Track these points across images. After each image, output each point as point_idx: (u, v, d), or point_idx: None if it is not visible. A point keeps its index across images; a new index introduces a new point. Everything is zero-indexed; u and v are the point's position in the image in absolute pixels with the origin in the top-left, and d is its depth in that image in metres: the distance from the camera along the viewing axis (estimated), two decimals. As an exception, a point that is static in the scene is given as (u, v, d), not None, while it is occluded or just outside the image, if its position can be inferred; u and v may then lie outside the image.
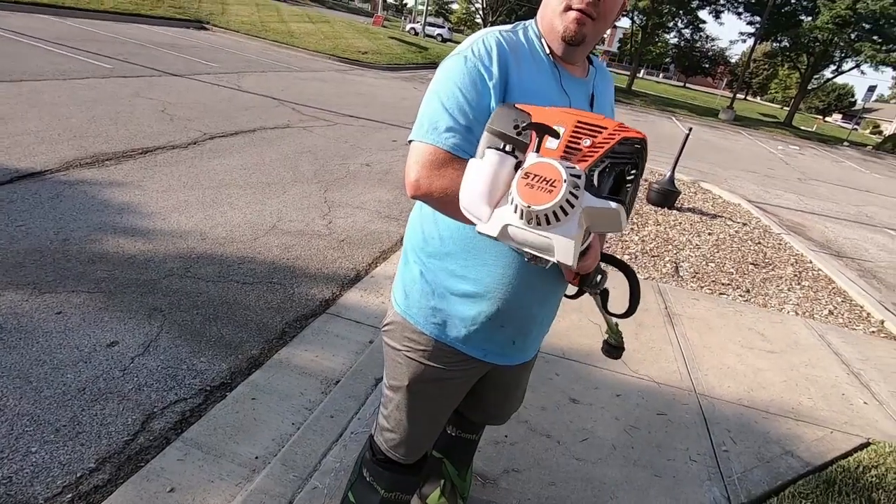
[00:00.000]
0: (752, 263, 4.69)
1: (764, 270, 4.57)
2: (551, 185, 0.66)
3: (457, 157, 0.90)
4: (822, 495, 1.93)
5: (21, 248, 2.71)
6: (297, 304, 2.75)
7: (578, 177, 0.68)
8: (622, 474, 1.93)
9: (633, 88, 29.70)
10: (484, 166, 0.75)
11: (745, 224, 5.99)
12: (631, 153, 0.71)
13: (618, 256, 1.22)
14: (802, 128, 30.24)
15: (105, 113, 5.22)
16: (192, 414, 1.92)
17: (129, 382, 2.00)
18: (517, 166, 0.73)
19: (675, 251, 4.61)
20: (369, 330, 2.55)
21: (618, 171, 0.70)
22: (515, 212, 0.69)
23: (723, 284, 4.08)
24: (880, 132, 38.60)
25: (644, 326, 3.08)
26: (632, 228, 5.02)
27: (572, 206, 0.66)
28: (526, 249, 0.72)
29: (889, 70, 26.71)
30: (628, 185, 0.71)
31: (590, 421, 2.19)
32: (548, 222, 0.67)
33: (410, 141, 0.95)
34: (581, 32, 0.96)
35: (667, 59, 51.82)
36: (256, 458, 1.74)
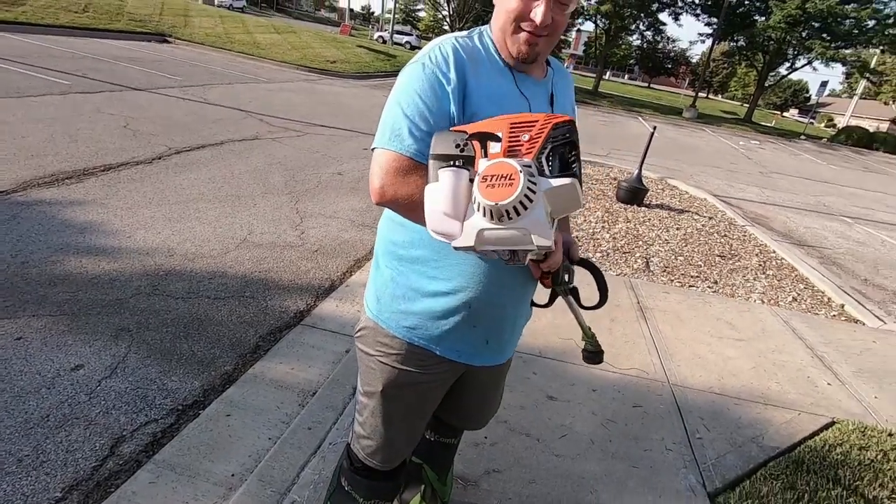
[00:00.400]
0: (718, 255, 4.83)
1: (730, 262, 4.72)
2: (510, 179, 0.71)
3: (421, 164, 0.91)
4: (791, 475, 2.00)
5: (-24, 273, 2.60)
6: (271, 317, 2.71)
7: (530, 166, 0.73)
8: (601, 468, 1.96)
9: (599, 90, 30.34)
10: (442, 186, 0.78)
11: (711, 218, 6.17)
12: (565, 134, 0.78)
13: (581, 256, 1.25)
14: (762, 123, 31.39)
15: (64, 130, 5.06)
16: (164, 435, 1.87)
17: (95, 406, 1.93)
18: (472, 180, 0.77)
19: (645, 247, 4.72)
20: (345, 339, 2.53)
21: (560, 154, 0.76)
22: (485, 215, 0.73)
23: (692, 277, 4.19)
24: (834, 125, 40.34)
25: (618, 321, 3.14)
26: (602, 226, 5.11)
27: (534, 192, 0.71)
28: (504, 248, 0.75)
29: (839, 66, 27.95)
30: (573, 163, 0.78)
31: (568, 417, 2.21)
32: (517, 213, 0.71)
33: (373, 149, 0.96)
34: (533, 52, 0.98)
35: (631, 61, 53.16)
36: (232, 475, 1.71)
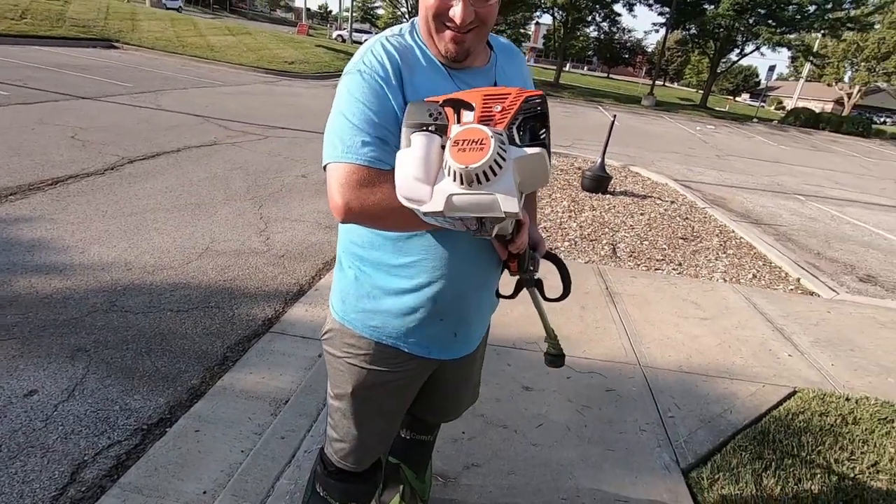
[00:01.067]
0: (681, 238, 4.97)
1: (693, 243, 4.86)
2: (481, 144, 0.73)
3: (381, 171, 0.89)
4: (758, 445, 2.07)
5: (-88, 300, 2.43)
6: (238, 327, 2.63)
7: (501, 134, 0.75)
8: (578, 453, 1.98)
9: (560, 82, 30.75)
10: (414, 150, 0.78)
11: (673, 202, 6.34)
12: (535, 106, 0.80)
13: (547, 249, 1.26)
14: (716, 108, 32.47)
15: (5, 144, 4.79)
16: (129, 456, 1.79)
17: (53, 432, 1.84)
18: (442, 146, 0.78)
19: (611, 233, 4.81)
20: (317, 344, 2.49)
21: (531, 126, 0.78)
22: (455, 179, 0.74)
23: (657, 260, 4.29)
24: (783, 108, 42.10)
25: (588, 308, 3.19)
26: (569, 215, 5.19)
27: (504, 158, 0.73)
28: (472, 215, 0.77)
29: (785, 51, 29.23)
30: (543, 136, 0.79)
31: (544, 406, 2.23)
32: (486, 178, 0.72)
33: (326, 165, 0.93)
34: (462, 49, 0.94)
35: (589, 53, 54.01)
36: (204, 492, 1.65)
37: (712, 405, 2.37)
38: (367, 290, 1.06)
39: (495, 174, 0.72)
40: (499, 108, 0.80)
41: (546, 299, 1.22)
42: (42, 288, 2.69)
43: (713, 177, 9.00)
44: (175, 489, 1.65)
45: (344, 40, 32.34)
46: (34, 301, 2.57)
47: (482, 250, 1.03)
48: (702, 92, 33.71)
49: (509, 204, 0.74)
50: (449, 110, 0.80)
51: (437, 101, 0.83)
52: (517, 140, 0.77)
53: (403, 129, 0.82)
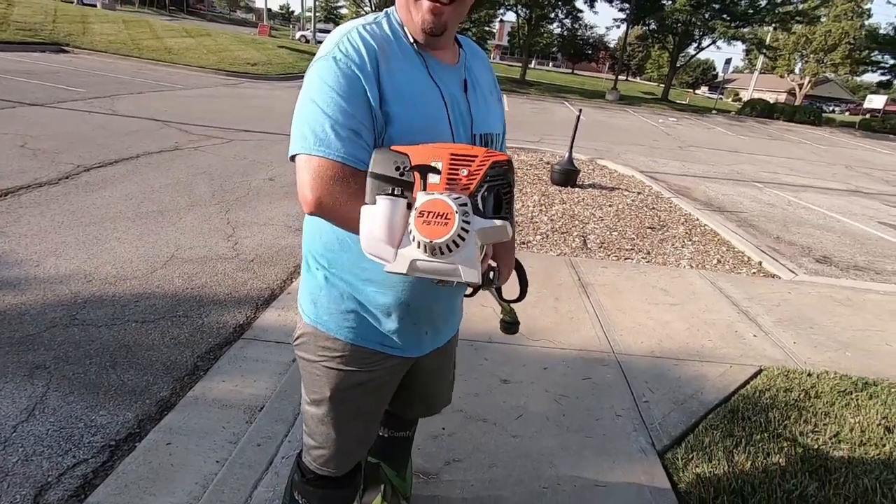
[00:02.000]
0: (649, 227, 5.09)
1: (660, 232, 4.99)
2: (445, 219, 0.75)
3: (356, 170, 0.87)
4: (728, 424, 2.14)
5: None
6: (208, 335, 2.56)
7: (466, 205, 0.77)
8: (557, 442, 2.01)
9: (526, 79, 31.06)
10: (378, 213, 0.79)
11: (639, 193, 6.49)
12: (502, 174, 0.81)
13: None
14: (677, 101, 33.37)
15: (-53, 155, 4.52)
16: (97, 475, 1.72)
17: (12, 455, 1.75)
18: (409, 205, 0.79)
19: (581, 225, 4.89)
20: (291, 348, 2.43)
21: (495, 192, 0.80)
22: (419, 247, 0.76)
23: (626, 250, 4.39)
24: (740, 99, 43.63)
25: (561, 300, 3.23)
26: (540, 209, 5.25)
27: (467, 231, 0.75)
28: (434, 278, 0.80)
29: (739, 44, 30.28)
30: (507, 201, 0.81)
31: (522, 398, 2.25)
32: (449, 250, 0.75)
33: (295, 155, 0.90)
34: (440, 22, 0.93)
35: (554, 49, 54.78)
36: (179, 506, 1.60)
37: (684, 387, 2.44)
38: (339, 291, 1.04)
39: (458, 246, 0.75)
40: (465, 172, 0.80)
41: (504, 300, 1.24)
42: (-5, 304, 2.55)
43: (677, 167, 9.26)
44: (147, 505, 1.59)
45: (307, 41, 31.82)
46: (-14, 318, 2.44)
47: None
48: (663, 85, 34.61)
49: (470, 274, 0.77)
50: (416, 174, 0.81)
51: (406, 155, 0.82)
52: (481, 208, 0.78)
53: (368, 179, 0.82)
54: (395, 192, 0.80)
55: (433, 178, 0.80)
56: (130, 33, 17.43)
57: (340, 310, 1.05)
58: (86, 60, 13.12)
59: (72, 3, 24.48)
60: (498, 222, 0.78)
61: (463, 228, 0.75)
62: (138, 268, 3.12)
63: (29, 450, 1.77)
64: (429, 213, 0.75)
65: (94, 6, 24.75)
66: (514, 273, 1.26)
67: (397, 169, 0.81)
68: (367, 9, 30.43)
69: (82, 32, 15.94)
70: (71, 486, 1.67)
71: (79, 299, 2.71)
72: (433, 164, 0.80)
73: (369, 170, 0.82)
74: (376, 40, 0.93)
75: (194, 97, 9.95)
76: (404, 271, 0.79)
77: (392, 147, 0.84)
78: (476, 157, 0.81)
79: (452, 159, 0.81)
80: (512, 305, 1.19)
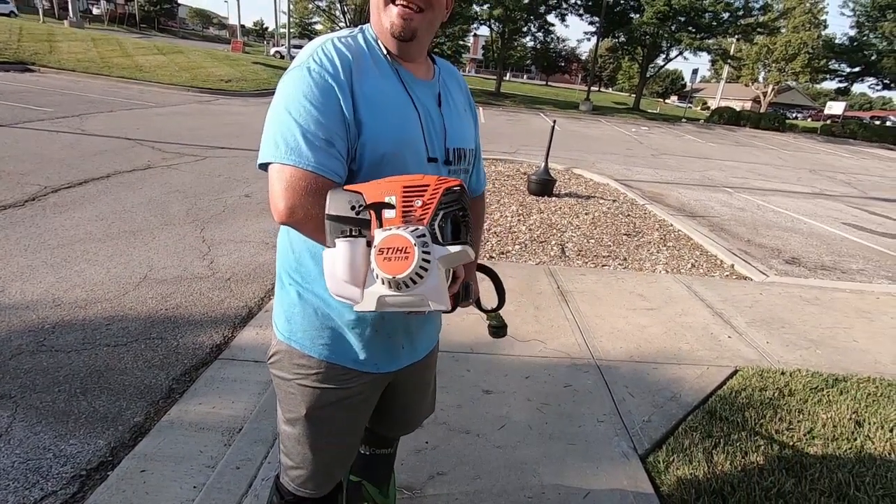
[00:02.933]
0: (625, 234, 5.19)
1: (635, 238, 5.08)
2: (405, 253, 0.75)
3: (327, 181, 0.88)
4: (707, 424, 2.18)
5: None
6: (184, 356, 2.50)
7: (424, 235, 0.77)
8: (540, 451, 2.01)
9: (501, 91, 31.53)
10: (339, 255, 0.80)
11: (614, 201, 6.61)
12: (456, 198, 0.81)
13: (479, 262, 1.32)
14: (648, 111, 34.28)
15: None
16: (67, 507, 1.65)
17: (-24, 490, 1.67)
18: (368, 244, 0.80)
19: (559, 234, 4.95)
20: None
21: (452, 217, 0.80)
22: (383, 284, 0.77)
23: (604, 257, 4.46)
24: (708, 108, 45.04)
25: (541, 308, 3.26)
26: (518, 219, 5.30)
27: (428, 262, 0.76)
28: (404, 310, 0.81)
29: (705, 54, 31.34)
30: (464, 224, 0.81)
31: (504, 407, 2.26)
32: (413, 283, 0.76)
33: (266, 164, 0.90)
34: (409, 27, 0.93)
35: (528, 62, 55.75)
36: (154, 535, 1.55)
37: (663, 390, 2.47)
38: (312, 307, 1.04)
39: (422, 277, 0.76)
40: (419, 202, 0.80)
41: (483, 310, 1.27)
42: (-44, 333, 2.45)
43: (650, 175, 9.47)
44: (121, 536, 1.53)
45: (282, 56, 31.75)
46: (-53, 348, 2.34)
47: None
48: (634, 96, 35.52)
49: (438, 302, 0.78)
50: (371, 213, 0.81)
51: (360, 193, 0.82)
52: (439, 236, 0.78)
53: (326, 222, 0.82)
54: (353, 233, 0.80)
55: (389, 213, 0.80)
56: (99, 51, 17.13)
57: (314, 326, 1.04)
58: (53, 79, 12.83)
59: (39, 19, 23.99)
60: (457, 248, 0.79)
61: (424, 259, 0.75)
62: (110, 290, 3.04)
63: (-7, 484, 1.70)
64: (388, 249, 0.75)
65: (62, 24, 24.29)
66: (491, 283, 1.28)
67: (353, 208, 0.81)
68: (342, 24, 30.60)
69: (49, 51, 15.61)
70: (39, 521, 1.60)
71: (46, 324, 2.62)
72: (387, 199, 0.80)
73: (326, 212, 0.81)
74: (351, 51, 0.94)
75: (167, 115, 9.81)
76: (373, 309, 0.80)
77: (345, 186, 0.84)
78: (428, 185, 0.81)
79: (405, 191, 0.81)
80: (498, 312, 1.21)
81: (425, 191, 0.81)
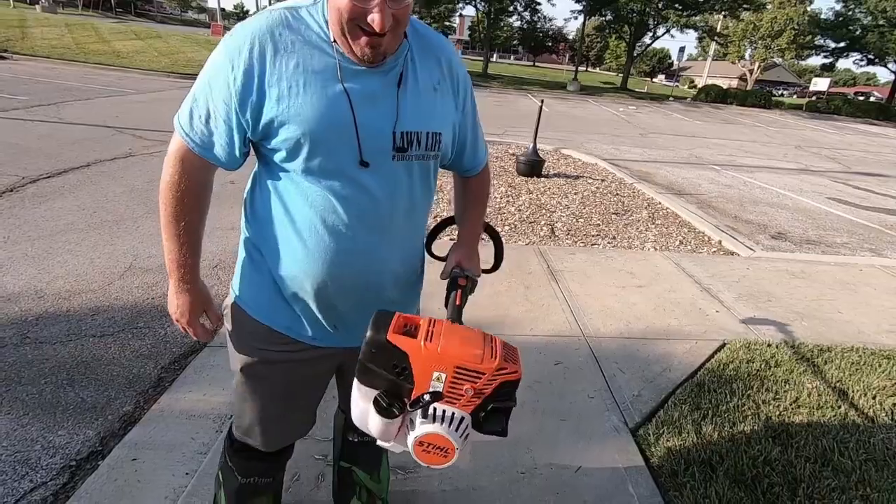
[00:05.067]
0: (614, 213, 5.20)
1: (624, 217, 5.10)
2: (445, 452, 0.74)
3: (195, 155, 0.96)
4: (696, 397, 2.22)
5: None
6: (172, 345, 2.48)
7: (466, 432, 0.74)
8: (533, 428, 2.03)
9: (488, 72, 31.22)
10: (373, 422, 0.79)
11: (603, 180, 6.62)
12: (509, 394, 0.76)
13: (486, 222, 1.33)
14: (636, 90, 34.19)
15: None
16: (57, 498, 1.64)
17: (-37, 484, 1.65)
18: (404, 406, 0.78)
19: (548, 214, 4.95)
20: (260, 353, 2.38)
21: (496, 409, 0.76)
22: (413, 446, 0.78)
23: (593, 236, 4.47)
24: (695, 86, 45.06)
25: (531, 288, 3.27)
26: (507, 200, 5.29)
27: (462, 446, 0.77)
28: None
29: (692, 32, 31.23)
30: (507, 415, 0.78)
31: (496, 387, 2.27)
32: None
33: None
34: (379, 53, 0.89)
35: (514, 42, 55.18)
36: (148, 522, 1.54)
37: (653, 365, 2.50)
38: (253, 272, 1.07)
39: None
40: (469, 390, 0.74)
41: (482, 271, 1.30)
42: (-64, 327, 2.40)
43: (638, 154, 9.48)
44: (114, 524, 1.53)
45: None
46: (-73, 343, 2.29)
47: (370, 243, 1.01)
48: (622, 75, 35.37)
49: (460, 459, 0.78)
50: (415, 381, 0.76)
51: (405, 351, 0.75)
52: (482, 423, 0.75)
53: (364, 366, 0.78)
54: (393, 410, 0.76)
55: (435, 385, 0.74)
56: (74, 37, 16.63)
57: (255, 288, 1.08)
58: (27, 66, 12.44)
59: (9, 5, 23.20)
60: (494, 437, 0.76)
61: (460, 451, 0.75)
62: (94, 280, 2.99)
63: (-19, 477, 1.68)
64: (429, 444, 0.74)
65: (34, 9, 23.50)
66: (491, 241, 1.32)
67: (395, 367, 0.75)
68: (325, 6, 29.96)
69: (21, 37, 15.11)
70: (29, 512, 1.58)
71: (30, 317, 2.57)
72: (435, 375, 0.73)
73: (363, 358, 0.77)
74: (286, 29, 0.90)
75: (147, 101, 9.59)
76: (398, 451, 0.82)
77: (391, 336, 0.75)
78: (483, 374, 0.73)
79: (456, 374, 0.73)
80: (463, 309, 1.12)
81: (479, 378, 0.74)
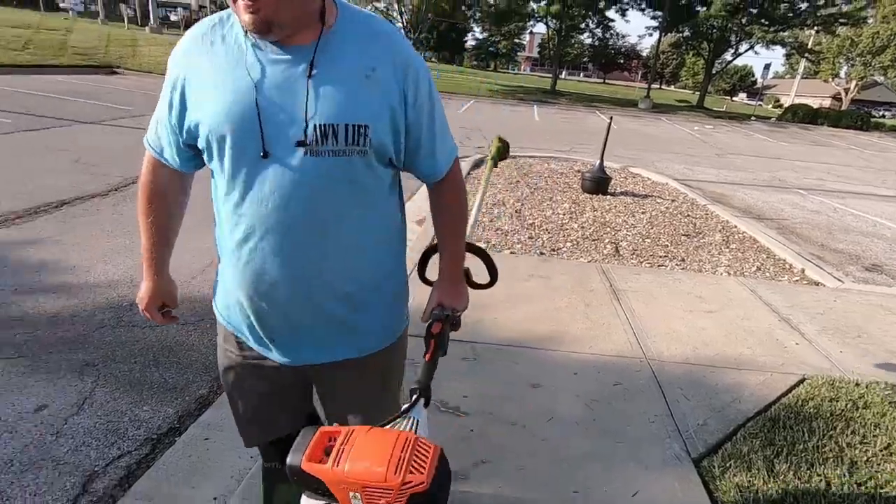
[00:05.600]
0: (684, 235, 4.97)
1: (695, 239, 4.86)
2: None
3: (152, 156, 1.04)
4: (769, 432, 2.06)
5: (-77, 322, 2.46)
6: (244, 337, 2.65)
7: None
8: (588, 446, 1.98)
9: (557, 89, 30.98)
10: None
11: (673, 200, 6.35)
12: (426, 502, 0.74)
13: (474, 243, 1.23)
14: (714, 109, 32.54)
15: (10, 169, 4.86)
16: (140, 466, 1.80)
17: (63, 445, 1.85)
18: None
19: (612, 232, 4.82)
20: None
21: None
22: None
23: (660, 257, 4.29)
24: (781, 105, 42.18)
25: (592, 306, 3.19)
26: (570, 217, 5.20)
27: None
28: None
29: (779, 48, 29.36)
30: None
31: (552, 402, 2.23)
32: None
33: None
34: (260, 20, 0.81)
35: (585, 59, 54.49)
36: (214, 499, 1.65)
37: (721, 395, 2.36)
38: (217, 275, 1.09)
39: None
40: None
41: (477, 286, 1.22)
42: (50, 307, 2.72)
43: (713, 175, 9.01)
44: (186, 496, 1.65)
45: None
46: (42, 320, 2.60)
47: (287, 250, 0.93)
48: (698, 93, 33.84)
49: None
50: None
51: (318, 478, 0.75)
52: None
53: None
54: None
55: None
56: (175, 55, 18.36)
57: (217, 283, 1.09)
58: (136, 81, 13.89)
59: (124, 26, 26.05)
60: None
61: None
62: (180, 274, 3.26)
63: (78, 441, 1.88)
64: None
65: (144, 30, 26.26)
66: (480, 261, 1.23)
67: (317, 489, 0.76)
68: (399, 24, 31.10)
69: (132, 55, 16.91)
70: (116, 476, 1.75)
71: (125, 302, 2.85)
72: (352, 494, 0.74)
73: (292, 480, 0.78)
74: (211, 31, 0.92)
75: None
76: None
77: (305, 464, 0.75)
78: (391, 490, 0.72)
79: (366, 493, 0.73)
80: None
81: (389, 493, 0.72)
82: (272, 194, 0.89)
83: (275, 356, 1.05)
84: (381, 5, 34.54)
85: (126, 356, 2.39)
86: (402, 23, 32.11)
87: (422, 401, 0.93)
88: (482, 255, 1.21)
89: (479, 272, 1.23)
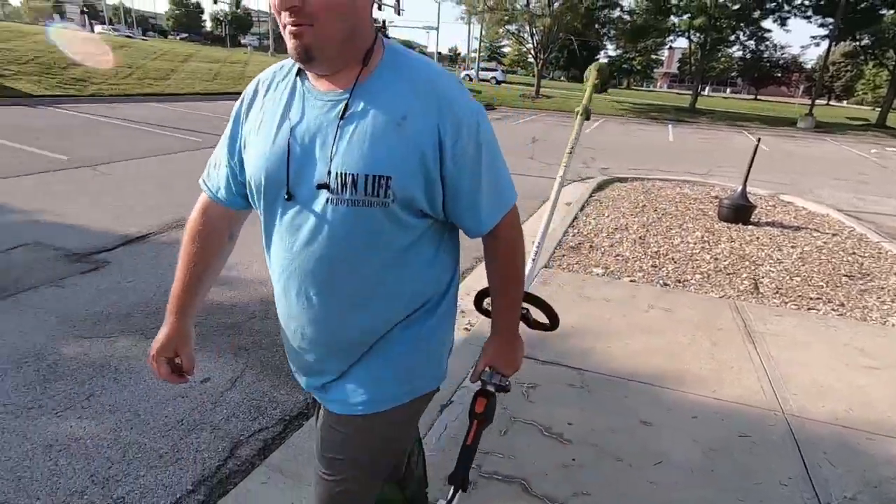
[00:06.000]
0: (845, 275, 4.28)
1: (861, 282, 4.16)
2: None
3: (208, 198, 1.06)
4: (945, 523, 1.70)
5: (129, 300, 3.11)
6: (366, 339, 2.90)
7: None
8: (702, 498, 1.82)
9: (697, 107, 28.63)
10: None
11: (834, 234, 5.50)
12: None
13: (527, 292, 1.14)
14: (900, 127, 27.38)
15: (193, 181, 5.91)
16: (274, 441, 2.08)
17: (219, 414, 2.21)
18: None
19: (752, 267, 4.33)
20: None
21: None
22: None
23: (811, 299, 3.75)
24: None
25: (720, 345, 2.91)
26: (703, 247, 4.79)
27: None
28: None
29: None
30: None
31: (664, 443, 2.09)
32: None
33: None
34: (301, 46, 0.81)
35: (733, 74, 49.64)
36: (331, 480, 1.84)
37: (880, 467, 2.00)
38: None
39: None
40: None
41: (536, 326, 1.23)
42: (216, 296, 3.25)
43: (892, 207, 7.61)
44: (310, 475, 1.85)
45: (471, 79, 34.09)
46: (211, 306, 3.12)
47: (310, 291, 0.95)
48: (879, 109, 28.78)
49: None
50: None
51: None
52: None
53: None
54: None
55: None
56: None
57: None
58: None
59: (247, 51, 30.07)
60: None
61: None
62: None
63: (230, 412, 2.23)
64: None
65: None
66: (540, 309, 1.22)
67: None
68: (530, 46, 31.42)
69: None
70: (256, 447, 2.04)
71: (272, 298, 3.28)
72: None
73: None
74: (279, 73, 0.96)
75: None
76: None
77: None
78: None
79: None
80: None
81: None
82: (294, 237, 0.91)
83: (306, 384, 1.12)
84: (513, 28, 35.31)
85: (269, 344, 2.77)
86: (533, 43, 32.37)
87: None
88: (540, 304, 1.19)
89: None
